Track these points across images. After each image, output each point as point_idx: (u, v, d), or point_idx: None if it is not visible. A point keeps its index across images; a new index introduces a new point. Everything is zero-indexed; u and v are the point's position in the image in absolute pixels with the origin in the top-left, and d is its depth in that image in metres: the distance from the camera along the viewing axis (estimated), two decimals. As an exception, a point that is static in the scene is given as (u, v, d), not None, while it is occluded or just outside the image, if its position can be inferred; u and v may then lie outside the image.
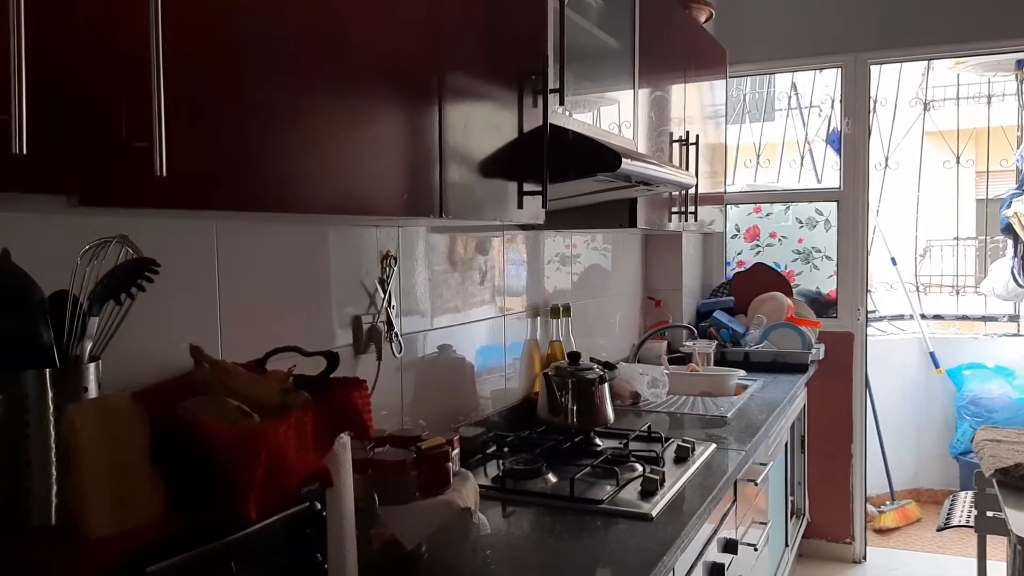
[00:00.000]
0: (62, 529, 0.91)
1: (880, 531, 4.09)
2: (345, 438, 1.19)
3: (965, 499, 3.54)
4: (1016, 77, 5.13)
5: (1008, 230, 4.56)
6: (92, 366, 0.95)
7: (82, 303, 0.95)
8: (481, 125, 1.37)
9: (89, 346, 0.95)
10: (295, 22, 0.96)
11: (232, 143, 0.86)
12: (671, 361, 3.16)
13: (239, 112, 0.87)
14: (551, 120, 1.59)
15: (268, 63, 0.92)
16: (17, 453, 0.90)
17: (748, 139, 4.73)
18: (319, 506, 1.12)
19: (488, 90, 1.40)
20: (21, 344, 0.89)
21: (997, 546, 2.99)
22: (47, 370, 0.91)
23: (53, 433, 0.91)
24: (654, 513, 1.57)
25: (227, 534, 0.97)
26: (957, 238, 6.04)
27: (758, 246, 3.99)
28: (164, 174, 0.73)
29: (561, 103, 1.60)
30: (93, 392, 0.95)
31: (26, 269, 0.92)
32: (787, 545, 3.13)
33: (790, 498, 3.20)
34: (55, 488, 0.91)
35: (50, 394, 0.91)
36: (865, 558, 3.70)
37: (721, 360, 3.30)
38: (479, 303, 2.12)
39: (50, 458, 0.91)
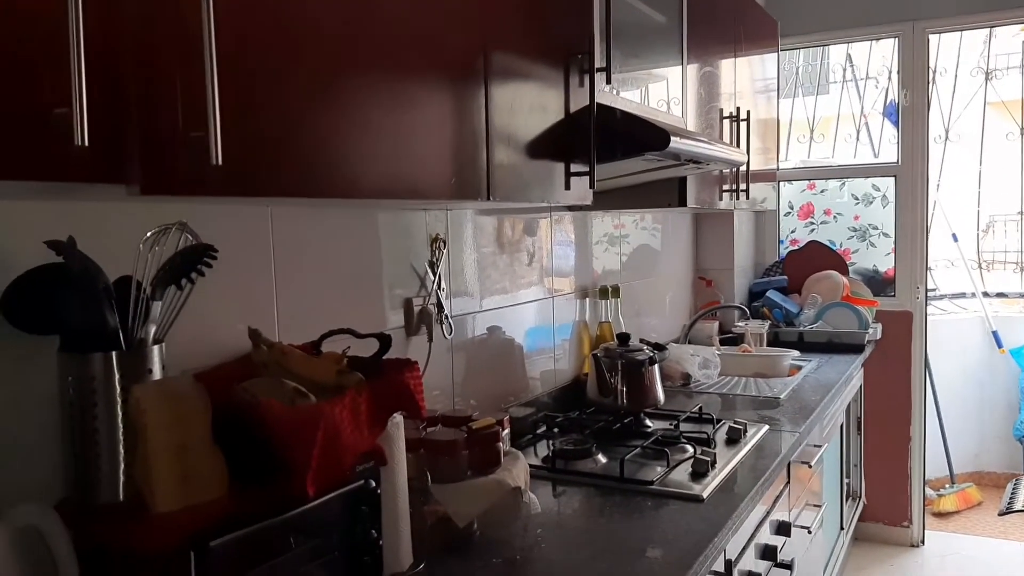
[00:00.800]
0: (130, 505, 0.95)
1: (939, 515, 4.00)
2: (398, 418, 1.22)
3: (1029, 482, 3.44)
4: (1087, 43, 4.90)
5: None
6: (156, 348, 0.99)
7: (145, 288, 0.98)
8: (527, 106, 1.37)
9: (153, 329, 0.98)
10: (342, 7, 0.97)
11: (284, 131, 0.88)
12: (723, 342, 3.13)
13: (290, 100, 0.89)
14: (598, 99, 1.58)
15: (317, 50, 0.93)
16: (86, 433, 0.94)
17: (801, 114, 4.62)
18: (374, 484, 1.14)
19: (534, 70, 1.40)
20: (89, 328, 0.93)
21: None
22: (113, 353, 0.95)
23: (120, 413, 0.95)
24: (705, 495, 1.56)
25: (286, 510, 1.00)
26: (1022, 212, 5.81)
27: (812, 224, 3.91)
28: (220, 162, 0.75)
29: (608, 82, 1.59)
30: (157, 374, 0.98)
31: (90, 256, 0.96)
32: (842, 528, 3.08)
33: (846, 480, 3.15)
34: (123, 466, 0.95)
35: (116, 376, 0.95)
36: (923, 542, 3.62)
37: (774, 340, 3.25)
38: (527, 284, 2.13)
39: (117, 437, 0.95)
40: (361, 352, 1.22)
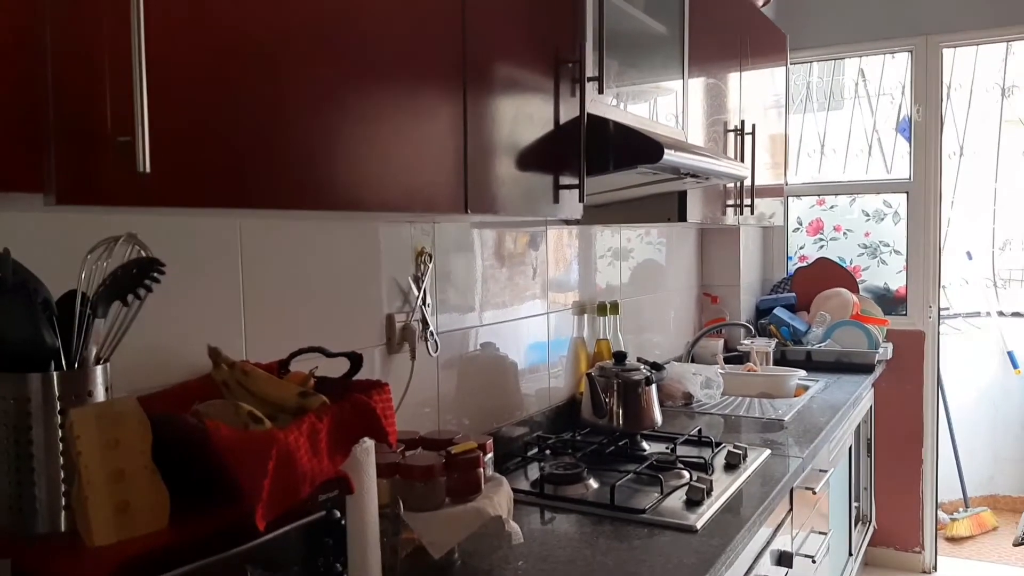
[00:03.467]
0: (70, 537, 0.89)
1: (952, 540, 3.88)
2: (369, 443, 1.15)
3: (1046, 509, 3.32)
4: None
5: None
6: (99, 369, 0.92)
7: (91, 302, 0.92)
8: (512, 115, 1.30)
9: (95, 349, 0.92)
10: (296, 5, 0.90)
11: (223, 137, 0.81)
12: (727, 360, 3.04)
13: (232, 106, 0.82)
14: (591, 110, 1.52)
15: (264, 50, 0.87)
16: (22, 458, 0.87)
17: (812, 129, 4.54)
18: (338, 514, 1.08)
19: (519, 78, 1.33)
20: (24, 345, 0.87)
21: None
22: (52, 373, 0.88)
23: (60, 438, 0.88)
24: (699, 525, 1.48)
25: (237, 544, 0.93)
26: (1040, 231, 5.69)
27: (822, 240, 3.82)
28: (148, 170, 0.68)
29: (600, 91, 1.53)
30: (100, 396, 0.92)
31: (38, 269, 0.90)
32: (851, 554, 2.98)
33: (854, 504, 3.05)
34: (63, 494, 0.89)
35: (56, 398, 0.88)
36: (936, 568, 3.51)
37: (781, 360, 3.17)
38: (521, 300, 2.06)
39: (57, 463, 0.89)
40: (335, 372, 1.16)
